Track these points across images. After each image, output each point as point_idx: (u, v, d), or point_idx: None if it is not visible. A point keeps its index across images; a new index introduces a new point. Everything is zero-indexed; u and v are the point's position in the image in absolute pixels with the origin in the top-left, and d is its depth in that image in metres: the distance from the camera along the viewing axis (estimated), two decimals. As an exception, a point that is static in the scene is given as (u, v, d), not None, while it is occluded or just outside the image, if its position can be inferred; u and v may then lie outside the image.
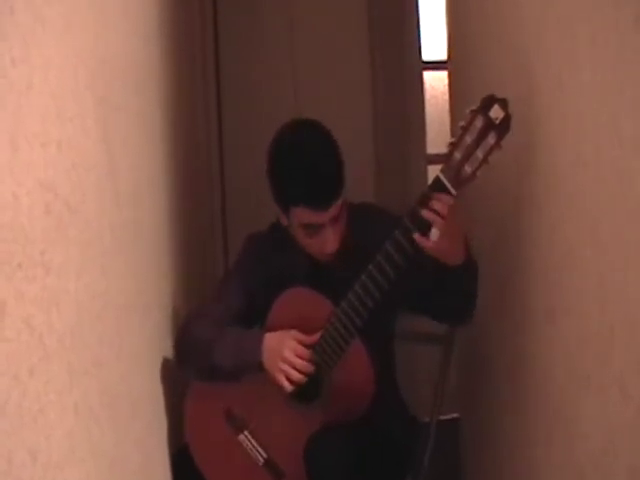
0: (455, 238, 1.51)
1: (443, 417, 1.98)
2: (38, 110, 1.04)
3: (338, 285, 1.63)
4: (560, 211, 1.29)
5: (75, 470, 1.11)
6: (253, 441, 1.77)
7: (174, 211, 2.10)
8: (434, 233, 1.44)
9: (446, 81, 2.56)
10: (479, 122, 1.36)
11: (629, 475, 1.05)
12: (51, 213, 1.06)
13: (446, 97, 2.57)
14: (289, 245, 1.77)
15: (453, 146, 1.41)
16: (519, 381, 1.58)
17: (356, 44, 3.25)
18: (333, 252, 1.68)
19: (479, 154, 1.38)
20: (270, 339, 1.69)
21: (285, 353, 1.66)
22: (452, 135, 2.39)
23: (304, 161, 1.62)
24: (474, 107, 1.37)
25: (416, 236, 1.46)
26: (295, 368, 1.65)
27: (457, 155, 1.40)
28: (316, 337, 1.66)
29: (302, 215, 1.63)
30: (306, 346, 1.67)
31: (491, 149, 1.37)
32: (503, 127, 1.35)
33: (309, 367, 1.66)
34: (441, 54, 2.77)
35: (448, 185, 1.41)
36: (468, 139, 1.38)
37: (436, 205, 1.43)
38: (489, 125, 1.35)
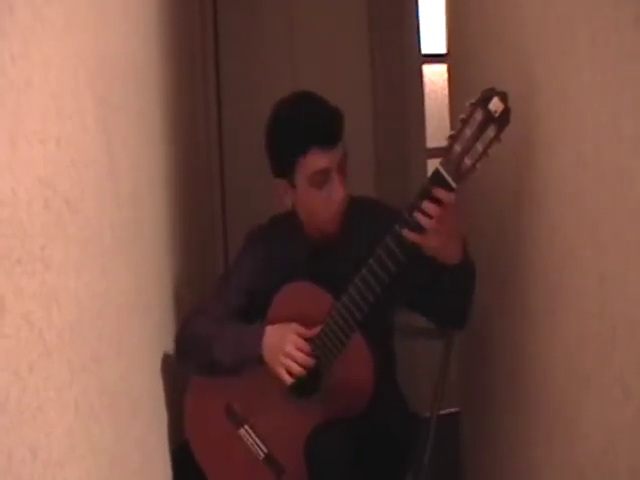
0: (453, 237, 1.51)
1: (443, 412, 1.98)
2: (37, 108, 1.04)
3: (338, 272, 1.65)
4: (560, 211, 1.29)
5: (75, 467, 1.11)
6: (253, 436, 1.78)
7: (174, 210, 2.10)
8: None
9: (445, 75, 2.57)
10: (479, 115, 1.36)
11: (629, 475, 1.04)
12: (50, 209, 1.06)
13: (445, 91, 2.57)
14: (289, 234, 1.81)
15: (453, 139, 1.41)
16: (519, 380, 1.58)
17: (356, 41, 3.25)
18: (342, 201, 1.70)
19: (479, 147, 1.38)
20: (271, 332, 1.70)
21: (286, 346, 1.66)
22: (452, 129, 2.40)
23: (305, 108, 1.70)
24: (474, 100, 1.37)
25: (405, 231, 1.47)
26: (296, 361, 1.66)
27: (457, 148, 1.40)
28: (317, 330, 1.67)
29: (311, 162, 1.66)
30: (307, 339, 1.67)
31: (491, 142, 1.37)
32: (503, 120, 1.35)
33: (310, 361, 1.67)
34: (440, 47, 2.78)
35: (448, 178, 1.41)
36: (468, 132, 1.38)
37: (435, 200, 1.43)
38: (489, 118, 1.35)
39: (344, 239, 1.76)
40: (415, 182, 3.21)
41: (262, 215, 1.93)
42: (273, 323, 1.73)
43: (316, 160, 1.66)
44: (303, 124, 1.68)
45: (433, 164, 3.42)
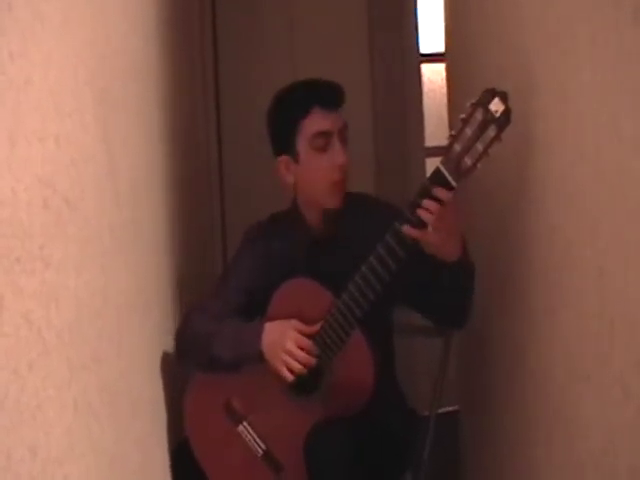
0: (452, 234, 1.51)
1: (442, 410, 1.98)
2: (37, 106, 1.04)
3: (337, 269, 1.65)
4: (560, 210, 1.29)
5: (74, 466, 1.11)
6: (252, 432, 1.78)
7: (173, 210, 2.10)
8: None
9: (444, 74, 2.57)
10: (479, 115, 1.37)
11: (630, 475, 1.04)
12: (50, 208, 1.06)
13: (444, 90, 2.58)
14: (288, 231, 1.82)
15: (453, 138, 1.41)
16: (519, 379, 1.58)
17: (355, 41, 3.25)
18: (344, 164, 1.72)
19: (479, 147, 1.38)
20: (271, 329, 1.70)
21: (287, 344, 1.66)
22: (450, 128, 2.40)
23: (305, 80, 1.78)
24: (474, 100, 1.37)
25: (405, 228, 1.47)
26: (297, 359, 1.66)
27: (457, 147, 1.40)
28: (317, 327, 1.67)
29: (313, 122, 1.71)
30: (307, 336, 1.67)
31: (491, 142, 1.37)
32: (503, 120, 1.35)
33: (310, 359, 1.67)
34: (439, 46, 2.78)
35: (448, 177, 1.42)
36: (468, 131, 1.39)
37: (435, 199, 1.43)
38: (489, 118, 1.36)
39: (343, 235, 1.77)
40: (414, 181, 3.21)
41: (261, 214, 1.93)
42: (273, 320, 1.73)
43: (318, 120, 1.71)
44: (305, 87, 1.76)
45: (432, 163, 3.43)
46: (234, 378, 1.78)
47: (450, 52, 2.41)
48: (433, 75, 3.43)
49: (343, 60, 3.23)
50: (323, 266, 1.75)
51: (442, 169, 1.43)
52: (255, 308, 1.80)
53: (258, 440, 1.77)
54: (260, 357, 1.70)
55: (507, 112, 1.35)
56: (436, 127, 3.27)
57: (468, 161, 1.40)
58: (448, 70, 2.50)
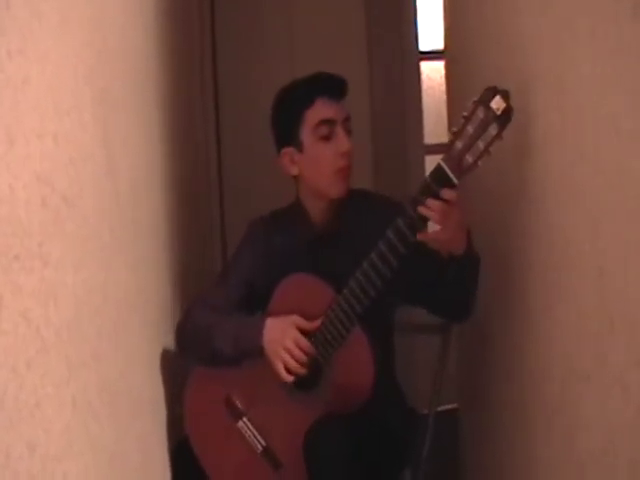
0: (459, 228, 1.52)
1: (442, 408, 1.98)
2: (35, 104, 1.04)
3: (338, 264, 1.66)
4: (559, 207, 1.29)
5: (73, 464, 1.11)
6: (252, 428, 1.78)
7: (172, 208, 2.10)
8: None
9: (443, 72, 2.57)
10: (481, 113, 1.37)
11: (630, 472, 1.04)
12: (48, 206, 1.06)
13: (443, 88, 2.58)
14: (290, 226, 1.83)
15: (455, 135, 1.42)
16: (518, 377, 1.58)
17: (354, 39, 3.25)
18: (348, 152, 1.74)
19: (480, 144, 1.39)
20: (272, 326, 1.70)
21: (287, 342, 1.66)
22: (449, 126, 2.41)
23: (309, 74, 1.79)
24: (476, 98, 1.38)
25: (419, 235, 1.49)
26: (295, 358, 1.66)
27: (459, 144, 1.41)
28: (317, 323, 1.67)
29: (318, 110, 1.73)
30: (307, 333, 1.68)
31: (492, 140, 1.38)
32: (505, 118, 1.36)
33: (307, 361, 1.67)
34: (438, 44, 2.78)
35: (450, 174, 1.43)
36: (470, 129, 1.39)
37: (438, 201, 1.45)
38: (491, 116, 1.36)
39: (345, 231, 1.77)
40: (413, 178, 3.22)
41: (260, 213, 1.93)
42: (274, 315, 1.73)
43: (323, 108, 1.73)
44: (308, 79, 1.78)
45: (431, 160, 3.44)
46: (234, 373, 1.78)
47: (449, 49, 2.40)
48: (432, 73, 3.43)
49: (342, 58, 3.22)
50: (324, 261, 1.75)
51: (443, 166, 1.43)
52: (256, 302, 1.80)
53: (258, 436, 1.77)
54: (261, 352, 1.70)
55: (508, 110, 1.35)
56: (435, 125, 3.27)
57: (469, 158, 1.40)
58: (447, 67, 2.49)
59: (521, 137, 1.44)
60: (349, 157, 1.75)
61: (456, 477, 2.42)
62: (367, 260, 1.56)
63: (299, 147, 1.76)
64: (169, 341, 1.88)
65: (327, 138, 1.73)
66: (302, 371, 1.68)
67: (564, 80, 1.23)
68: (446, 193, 1.43)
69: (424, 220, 1.48)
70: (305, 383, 1.71)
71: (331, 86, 1.76)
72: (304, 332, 1.68)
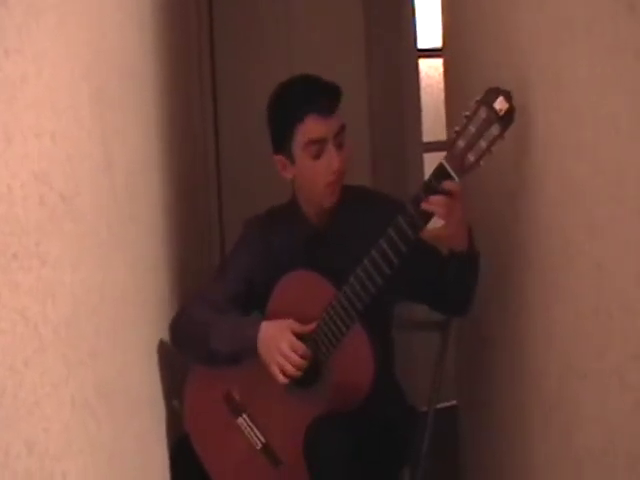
0: (461, 224, 1.53)
1: (441, 405, 1.98)
2: (32, 102, 1.04)
3: (336, 261, 1.66)
4: (558, 203, 1.29)
5: (72, 462, 1.11)
6: (251, 425, 1.78)
7: (170, 205, 2.10)
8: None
9: (441, 70, 2.57)
10: (483, 113, 1.38)
11: (628, 467, 1.05)
12: (46, 205, 1.06)
13: (441, 85, 2.58)
14: (287, 222, 1.82)
15: (457, 134, 1.42)
16: (517, 373, 1.58)
17: (352, 36, 3.24)
18: (339, 170, 1.71)
19: (482, 144, 1.40)
20: (267, 330, 1.70)
21: (282, 346, 1.66)
22: (448, 123, 2.41)
23: (303, 79, 1.76)
24: (478, 98, 1.38)
25: (423, 233, 1.50)
26: (290, 362, 1.66)
27: (461, 143, 1.42)
28: (312, 326, 1.67)
29: (309, 129, 1.69)
30: (302, 337, 1.68)
31: (494, 140, 1.39)
32: (507, 119, 1.36)
33: (304, 363, 1.67)
34: (436, 41, 2.78)
35: (452, 172, 1.43)
36: (472, 129, 1.40)
37: (441, 193, 1.45)
38: (493, 116, 1.37)
39: (342, 228, 1.77)
40: (411, 175, 3.22)
41: (258, 208, 1.93)
42: (274, 311, 1.74)
43: (313, 128, 1.69)
44: (301, 91, 1.73)
45: (429, 158, 3.43)
46: (235, 370, 1.77)
47: (447, 47, 2.40)
48: (430, 70, 3.43)
49: (340, 56, 3.22)
50: (322, 259, 1.75)
51: (445, 165, 1.44)
52: (255, 300, 1.80)
53: (257, 432, 1.77)
54: (257, 355, 1.70)
55: (511, 111, 1.36)
56: (433, 122, 3.26)
57: (471, 158, 1.41)
58: (445, 65, 2.49)
59: (519, 134, 1.44)
60: (340, 173, 1.73)
61: (455, 474, 2.43)
62: (368, 257, 1.56)
63: (291, 158, 1.74)
64: (167, 338, 1.88)
65: (317, 156, 1.71)
66: (299, 374, 1.68)
67: (562, 77, 1.23)
68: (448, 184, 1.44)
69: (425, 218, 1.48)
70: (305, 380, 1.71)
71: (322, 102, 1.70)
72: (300, 336, 1.68)
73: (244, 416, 1.79)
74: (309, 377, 1.70)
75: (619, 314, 1.05)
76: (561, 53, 1.23)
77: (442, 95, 2.57)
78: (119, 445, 1.40)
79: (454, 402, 2.50)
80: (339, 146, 1.72)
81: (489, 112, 1.37)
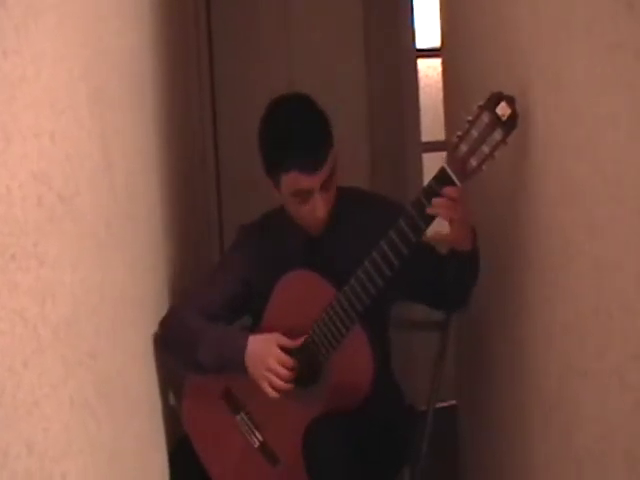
0: (465, 225, 1.53)
1: (440, 405, 1.99)
2: (31, 102, 1.04)
3: (333, 264, 1.66)
4: (558, 203, 1.29)
5: (72, 463, 1.11)
6: (250, 423, 1.78)
7: (170, 205, 2.10)
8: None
9: (440, 69, 2.57)
10: (486, 118, 1.38)
11: (627, 466, 1.04)
12: (44, 205, 1.06)
13: (440, 85, 2.58)
14: (282, 228, 1.80)
15: (459, 139, 1.43)
16: (516, 372, 1.58)
17: (351, 37, 3.24)
18: (323, 218, 1.70)
19: (485, 149, 1.40)
20: (254, 344, 1.69)
21: (269, 362, 1.66)
22: (446, 123, 2.41)
23: (289, 129, 1.66)
24: (481, 103, 1.39)
25: (430, 237, 1.51)
26: (278, 376, 1.66)
27: (463, 148, 1.42)
28: (299, 341, 1.68)
29: (293, 181, 1.65)
30: (289, 351, 1.68)
31: (497, 144, 1.39)
32: (510, 124, 1.37)
33: (292, 377, 1.67)
34: (434, 41, 2.78)
35: (453, 176, 1.44)
36: (474, 133, 1.40)
37: (443, 198, 1.45)
38: (496, 121, 1.37)
39: (339, 231, 1.76)
40: (410, 175, 3.22)
41: (258, 209, 1.92)
42: (274, 311, 1.74)
43: (298, 180, 1.64)
44: (287, 145, 1.65)
45: (428, 158, 3.43)
46: None
47: (446, 47, 2.40)
48: (429, 70, 3.43)
49: (340, 56, 3.22)
50: (320, 262, 1.75)
51: (447, 169, 1.44)
52: (251, 303, 1.80)
53: (255, 431, 1.77)
54: (244, 369, 1.70)
55: (514, 116, 1.36)
56: (432, 122, 3.26)
57: (474, 162, 1.42)
58: (444, 65, 2.49)
59: (519, 134, 1.44)
60: (323, 220, 1.70)
61: (455, 474, 2.43)
62: (369, 259, 1.56)
63: (279, 190, 1.71)
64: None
65: (303, 202, 1.67)
66: (289, 388, 1.68)
67: (561, 77, 1.23)
68: (449, 190, 1.44)
69: (427, 220, 1.48)
70: (305, 380, 1.71)
71: (307, 162, 1.63)
72: (287, 350, 1.68)
73: (242, 414, 1.79)
74: (309, 378, 1.70)
75: (619, 314, 1.05)
76: (560, 53, 1.23)
77: (441, 95, 2.57)
78: (119, 445, 1.39)
79: (453, 402, 2.51)
80: (326, 190, 1.68)
81: (492, 117, 1.37)
